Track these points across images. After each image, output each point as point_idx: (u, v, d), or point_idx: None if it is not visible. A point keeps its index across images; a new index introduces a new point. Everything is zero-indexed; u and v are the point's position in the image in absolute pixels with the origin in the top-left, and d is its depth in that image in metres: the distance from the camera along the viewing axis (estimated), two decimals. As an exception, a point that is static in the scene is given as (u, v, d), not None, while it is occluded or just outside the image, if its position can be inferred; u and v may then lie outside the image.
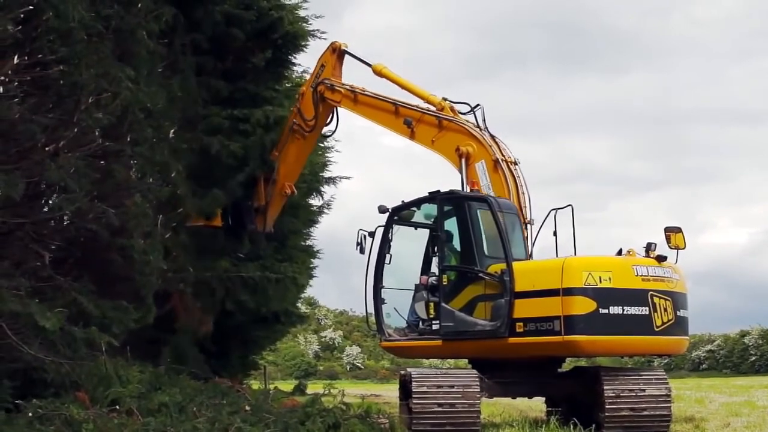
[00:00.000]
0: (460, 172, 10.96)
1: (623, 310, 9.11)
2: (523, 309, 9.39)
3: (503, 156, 11.04)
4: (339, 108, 13.84)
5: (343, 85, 13.37)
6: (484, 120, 11.46)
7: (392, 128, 12.38)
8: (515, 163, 11.15)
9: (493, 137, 11.24)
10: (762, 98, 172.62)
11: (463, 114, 11.75)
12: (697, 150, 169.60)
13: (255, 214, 14.61)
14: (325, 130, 14.87)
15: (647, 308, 9.21)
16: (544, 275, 9.44)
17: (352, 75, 13.76)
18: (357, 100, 13.08)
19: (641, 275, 9.31)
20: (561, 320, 9.02)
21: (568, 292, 9.07)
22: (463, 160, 10.97)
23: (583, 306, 9.01)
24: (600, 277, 9.10)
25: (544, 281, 9.35)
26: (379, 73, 13.12)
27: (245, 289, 15.33)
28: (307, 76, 17.58)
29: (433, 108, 11.96)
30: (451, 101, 11.94)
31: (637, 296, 9.21)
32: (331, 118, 14.14)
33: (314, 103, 13.58)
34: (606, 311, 9.04)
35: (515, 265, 9.70)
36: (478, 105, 11.54)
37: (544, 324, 9.18)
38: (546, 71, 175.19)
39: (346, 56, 13.65)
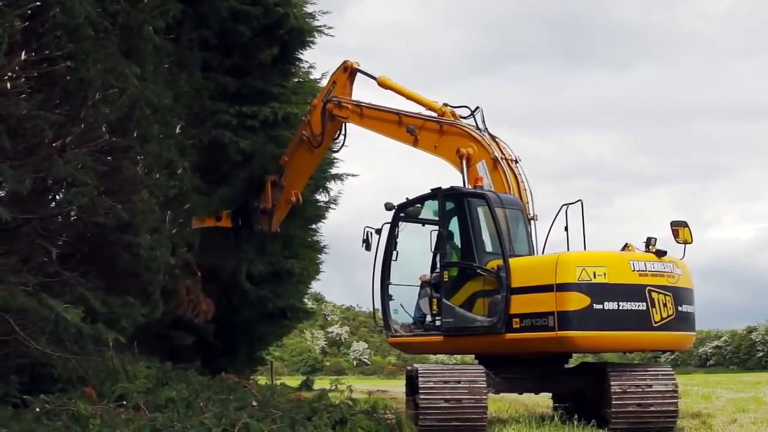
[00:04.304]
0: (462, 174, 11.03)
1: (618, 306, 8.99)
2: (519, 305, 9.37)
3: (503, 154, 11.11)
4: (347, 123, 14.07)
5: (351, 101, 13.60)
6: (483, 121, 11.62)
7: (397, 138, 12.58)
8: (516, 161, 11.22)
9: (493, 137, 11.35)
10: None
11: (464, 118, 11.88)
12: (702, 145, 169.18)
13: (260, 215, 14.84)
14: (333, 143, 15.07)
15: (644, 303, 9.08)
16: (539, 271, 9.40)
17: (356, 87, 14.00)
18: (363, 114, 13.34)
19: (638, 270, 9.19)
20: (555, 316, 8.98)
21: (562, 287, 9.00)
22: (464, 162, 11.05)
23: (576, 301, 8.94)
24: (594, 273, 9.01)
25: (539, 277, 9.31)
26: (383, 85, 13.37)
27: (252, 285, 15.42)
28: (314, 72, 17.65)
29: (434, 114, 12.13)
30: (451, 106, 12.11)
31: (634, 291, 9.10)
32: (339, 133, 14.39)
33: (322, 119, 13.79)
34: (600, 307, 8.93)
35: (512, 261, 9.68)
36: (477, 108, 11.72)
37: (539, 320, 9.14)
38: (550, 66, 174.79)
39: (358, 74, 13.86)
